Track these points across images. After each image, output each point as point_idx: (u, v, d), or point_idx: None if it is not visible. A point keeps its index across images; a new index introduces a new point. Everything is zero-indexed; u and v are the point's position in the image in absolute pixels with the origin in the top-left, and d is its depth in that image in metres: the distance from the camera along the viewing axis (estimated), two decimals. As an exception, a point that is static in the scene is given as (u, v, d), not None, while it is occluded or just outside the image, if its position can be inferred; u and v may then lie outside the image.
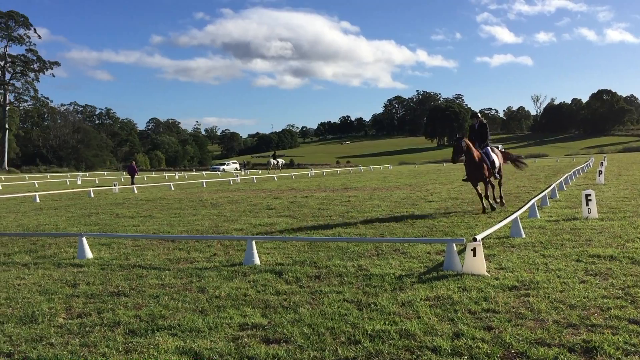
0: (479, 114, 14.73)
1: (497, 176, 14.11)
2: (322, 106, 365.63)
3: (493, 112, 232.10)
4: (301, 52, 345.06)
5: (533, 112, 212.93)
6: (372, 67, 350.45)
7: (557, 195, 17.26)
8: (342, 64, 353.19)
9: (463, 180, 14.62)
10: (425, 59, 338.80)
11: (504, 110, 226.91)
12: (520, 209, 12.36)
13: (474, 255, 7.20)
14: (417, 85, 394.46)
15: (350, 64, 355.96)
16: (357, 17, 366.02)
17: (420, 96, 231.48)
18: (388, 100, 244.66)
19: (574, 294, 6.10)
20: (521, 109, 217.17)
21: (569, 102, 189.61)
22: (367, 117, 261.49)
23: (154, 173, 74.98)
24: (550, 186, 18.55)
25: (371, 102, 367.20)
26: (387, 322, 5.37)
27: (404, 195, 20.15)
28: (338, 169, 64.07)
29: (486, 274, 7.16)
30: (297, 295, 6.47)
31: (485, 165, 13.61)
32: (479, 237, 7.60)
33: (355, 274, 7.50)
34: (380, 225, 12.33)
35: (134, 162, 44.61)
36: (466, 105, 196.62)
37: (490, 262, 7.86)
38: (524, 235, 9.93)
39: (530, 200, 13.66)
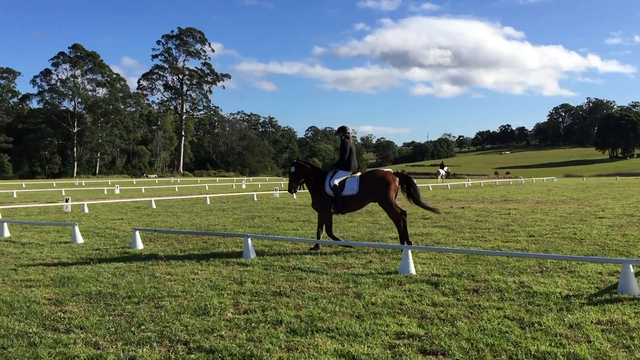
0: (347, 128, 11.25)
1: (336, 210, 11.18)
2: (480, 115, 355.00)
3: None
4: (460, 60, 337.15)
5: None
6: (537, 74, 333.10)
7: None
8: (503, 72, 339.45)
9: None
10: (598, 64, 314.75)
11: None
12: None
13: (655, 278, 6.53)
14: (587, 93, 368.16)
15: (512, 71, 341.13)
16: (521, 22, 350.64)
17: (590, 104, 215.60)
18: (554, 108, 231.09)
19: None
20: None
21: None
22: (529, 127, 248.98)
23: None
24: None
25: (534, 111, 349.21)
26: (553, 344, 5.05)
27: (570, 210, 18.83)
28: (496, 180, 61.53)
29: (669, 300, 6.46)
30: (454, 308, 6.33)
31: (322, 193, 11.24)
32: (661, 259, 6.87)
33: (517, 290, 7.15)
34: (544, 240, 11.63)
35: None
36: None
37: (674, 287, 7.07)
38: None
39: None
